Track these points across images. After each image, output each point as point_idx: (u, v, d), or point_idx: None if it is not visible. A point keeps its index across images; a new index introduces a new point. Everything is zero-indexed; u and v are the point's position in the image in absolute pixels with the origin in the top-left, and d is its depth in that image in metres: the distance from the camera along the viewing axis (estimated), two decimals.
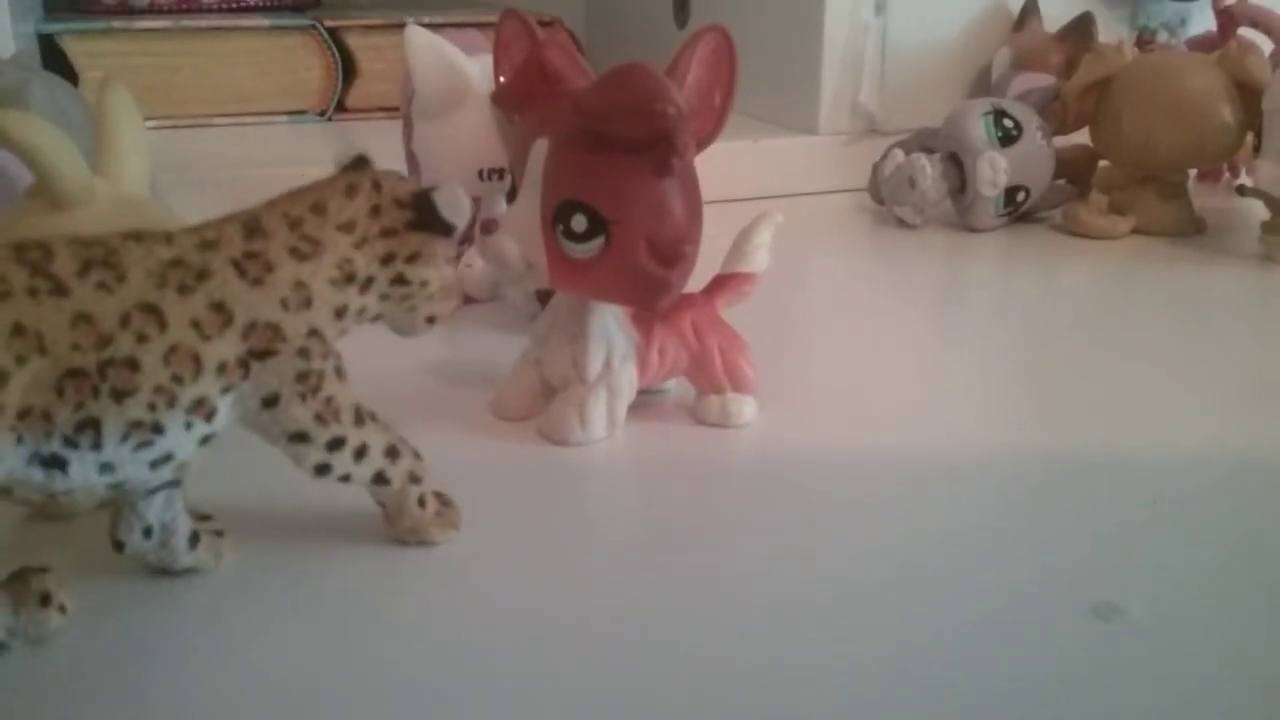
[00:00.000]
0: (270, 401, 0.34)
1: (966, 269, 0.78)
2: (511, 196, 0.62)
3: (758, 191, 0.90)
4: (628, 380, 0.48)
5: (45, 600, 0.34)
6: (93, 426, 0.31)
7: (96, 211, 0.41)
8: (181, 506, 0.36)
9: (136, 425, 0.32)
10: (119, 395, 0.31)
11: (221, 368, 0.33)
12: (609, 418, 0.48)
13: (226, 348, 0.33)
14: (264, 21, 1.01)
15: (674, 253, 0.43)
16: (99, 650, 0.34)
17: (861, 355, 0.61)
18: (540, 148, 0.46)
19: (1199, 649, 0.35)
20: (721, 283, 0.51)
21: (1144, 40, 1.03)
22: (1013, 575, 0.39)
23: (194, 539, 0.37)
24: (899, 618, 0.36)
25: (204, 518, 0.38)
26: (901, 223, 0.85)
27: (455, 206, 0.36)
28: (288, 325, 0.34)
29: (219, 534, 0.38)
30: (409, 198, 0.36)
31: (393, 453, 0.37)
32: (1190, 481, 0.46)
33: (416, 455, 0.39)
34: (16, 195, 0.43)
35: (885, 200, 0.86)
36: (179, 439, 0.33)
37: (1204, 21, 1.03)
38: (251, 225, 0.34)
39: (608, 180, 0.43)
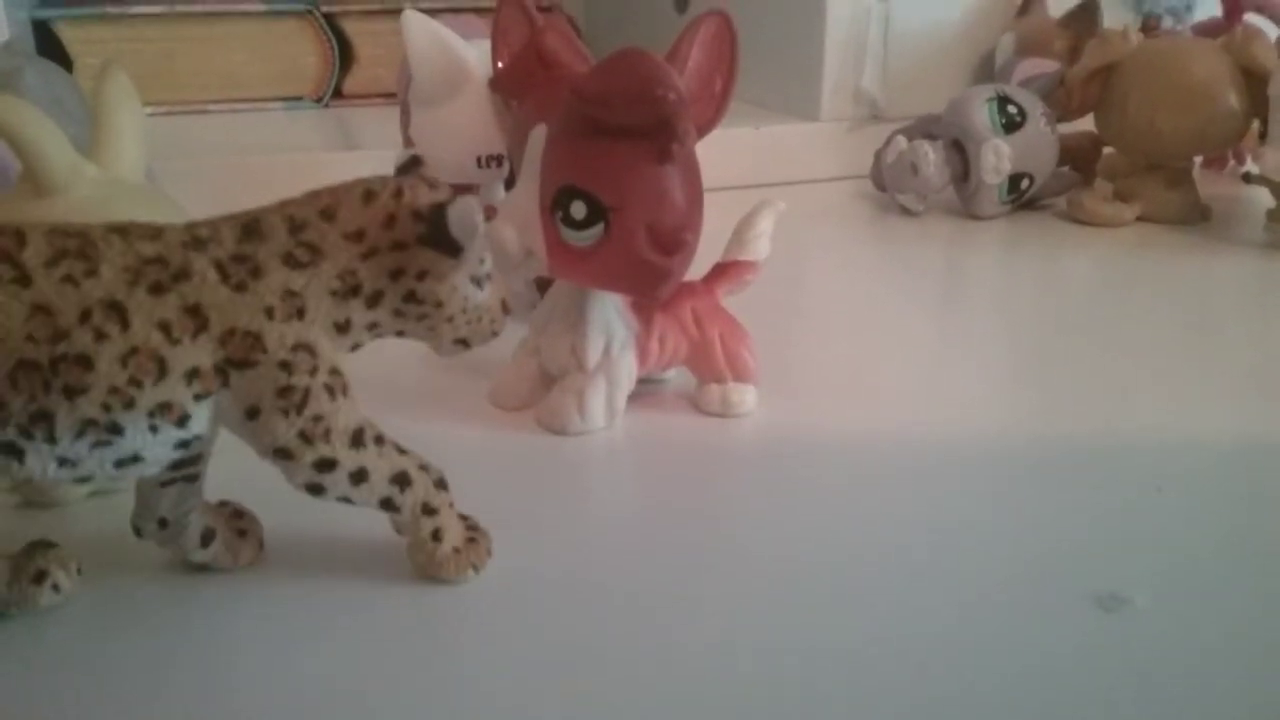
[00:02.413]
0: (251, 414, 0.32)
1: (969, 257, 0.78)
2: (510, 183, 0.61)
3: (759, 179, 0.90)
4: (627, 369, 0.48)
5: (40, 577, 0.34)
6: (45, 420, 0.30)
7: (85, 197, 0.41)
8: (198, 503, 0.35)
9: (90, 424, 0.30)
10: (70, 392, 0.30)
11: (193, 374, 0.31)
12: (608, 407, 0.48)
13: (200, 354, 0.31)
14: (260, 7, 1.00)
15: (674, 240, 0.43)
16: (102, 651, 0.33)
17: (863, 344, 0.60)
18: (539, 134, 0.45)
19: (1203, 637, 0.34)
20: (722, 271, 0.51)
21: (1149, 26, 1.02)
22: (1015, 563, 0.38)
23: (208, 537, 0.36)
24: (900, 605, 0.36)
25: (236, 515, 0.37)
26: (904, 210, 0.85)
27: (467, 225, 0.32)
28: (270, 335, 0.31)
29: (242, 534, 0.37)
30: (425, 209, 0.33)
31: (402, 480, 0.35)
32: (1195, 469, 0.45)
33: (440, 484, 0.36)
34: (11, 181, 0.43)
35: (888, 187, 0.86)
36: (144, 441, 0.31)
37: (1209, 7, 1.02)
38: (249, 226, 0.32)
39: (607, 167, 0.42)
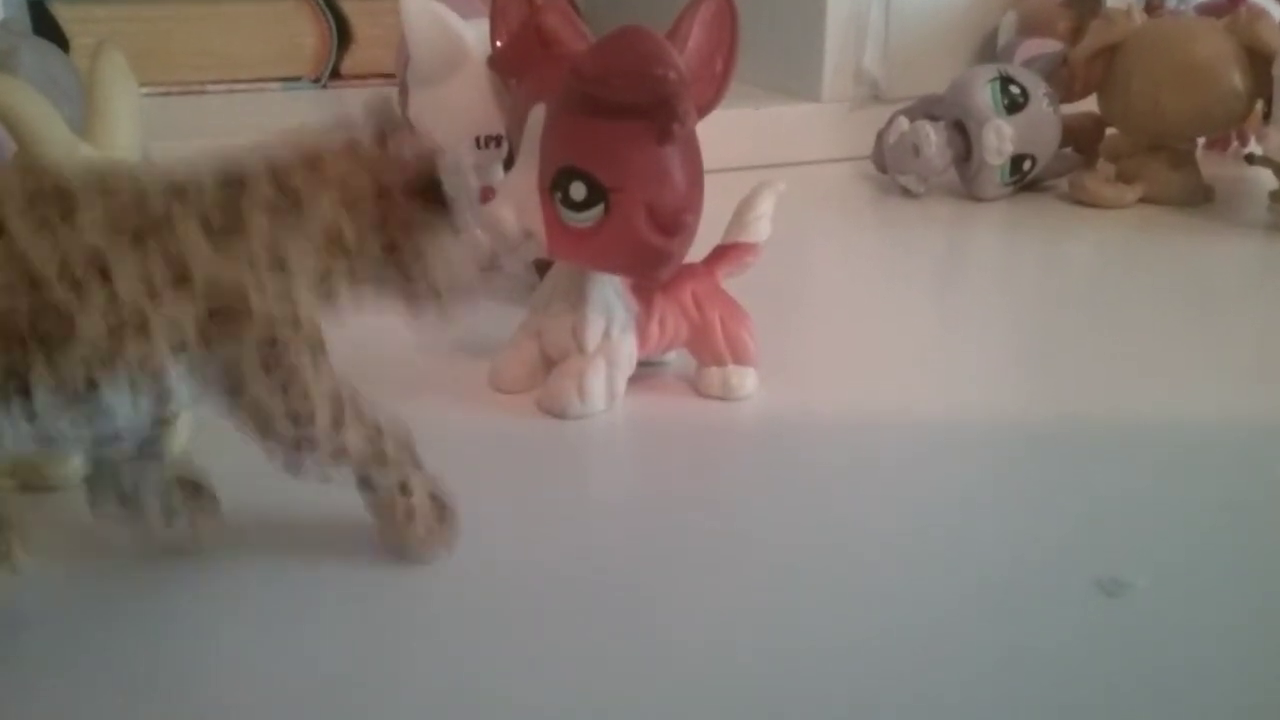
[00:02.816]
0: (231, 369, 0.31)
1: (971, 239, 0.77)
2: (509, 164, 0.61)
3: (760, 160, 0.89)
4: (627, 352, 0.47)
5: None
6: (18, 378, 0.28)
7: None
8: (159, 479, 0.34)
9: (69, 382, 0.29)
10: (48, 346, 0.28)
11: (173, 326, 0.30)
12: (608, 389, 0.47)
13: (180, 307, 0.30)
14: None
15: (675, 222, 0.43)
16: (85, 646, 0.33)
17: (864, 326, 0.60)
18: (538, 114, 0.45)
19: (1204, 620, 0.34)
20: (723, 253, 0.50)
21: (1153, 5, 1.01)
22: (1017, 546, 0.38)
23: (170, 514, 0.35)
24: (902, 587, 0.36)
25: (196, 493, 0.37)
26: (905, 191, 0.85)
27: (458, 176, 0.32)
28: (253, 286, 0.30)
29: (204, 511, 0.36)
30: (412, 161, 0.32)
31: (379, 458, 0.34)
32: (1198, 451, 0.45)
33: (414, 461, 0.35)
34: (5, 161, 0.42)
35: (889, 168, 0.85)
36: (121, 401, 0.30)
37: None
38: (231, 175, 0.31)
39: (607, 147, 0.42)
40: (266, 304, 0.31)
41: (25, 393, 0.28)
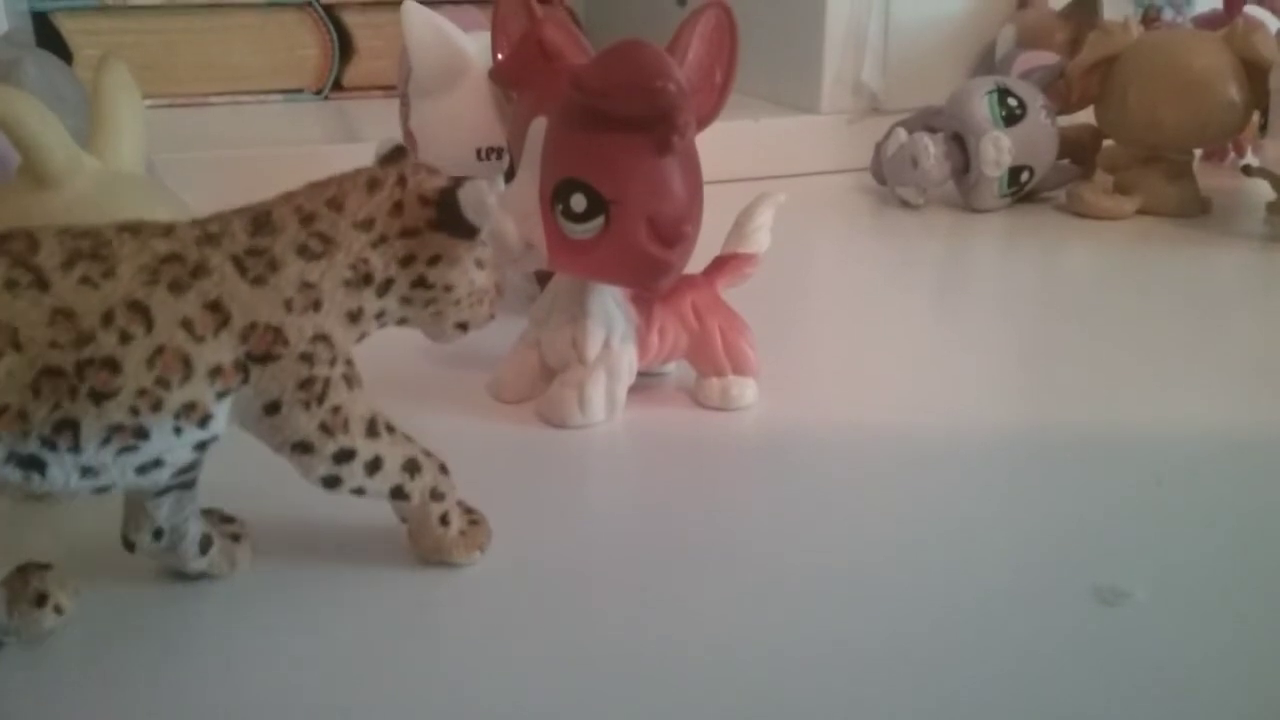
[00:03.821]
0: (272, 409, 0.32)
1: (969, 250, 0.78)
2: (510, 176, 0.61)
3: (759, 171, 0.90)
4: (627, 362, 0.48)
5: (41, 600, 0.33)
6: (71, 428, 0.29)
7: (84, 188, 0.41)
8: (194, 510, 0.35)
9: (117, 429, 0.29)
10: (98, 397, 0.29)
11: (216, 371, 0.30)
12: (608, 400, 0.48)
13: (222, 350, 0.30)
14: None
15: (674, 233, 0.43)
16: (105, 655, 0.33)
17: (863, 337, 0.60)
18: (539, 126, 0.45)
19: (1203, 630, 0.34)
20: (722, 264, 0.51)
21: (1150, 18, 1.02)
22: (1015, 557, 0.38)
23: (205, 544, 0.35)
24: (900, 599, 0.36)
25: (226, 520, 0.37)
26: (904, 203, 0.85)
27: (480, 207, 0.33)
28: (290, 328, 0.31)
29: (236, 539, 0.36)
30: (434, 194, 0.33)
31: (412, 467, 0.35)
32: (1195, 462, 0.45)
33: (442, 469, 0.36)
34: (10, 173, 0.43)
35: (888, 180, 0.86)
36: (168, 444, 0.30)
37: None
38: (260, 219, 0.32)
39: (607, 159, 0.42)
40: (303, 344, 0.32)
41: (75, 443, 0.29)
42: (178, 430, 0.30)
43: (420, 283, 0.34)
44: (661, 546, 0.39)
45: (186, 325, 0.30)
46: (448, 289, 0.34)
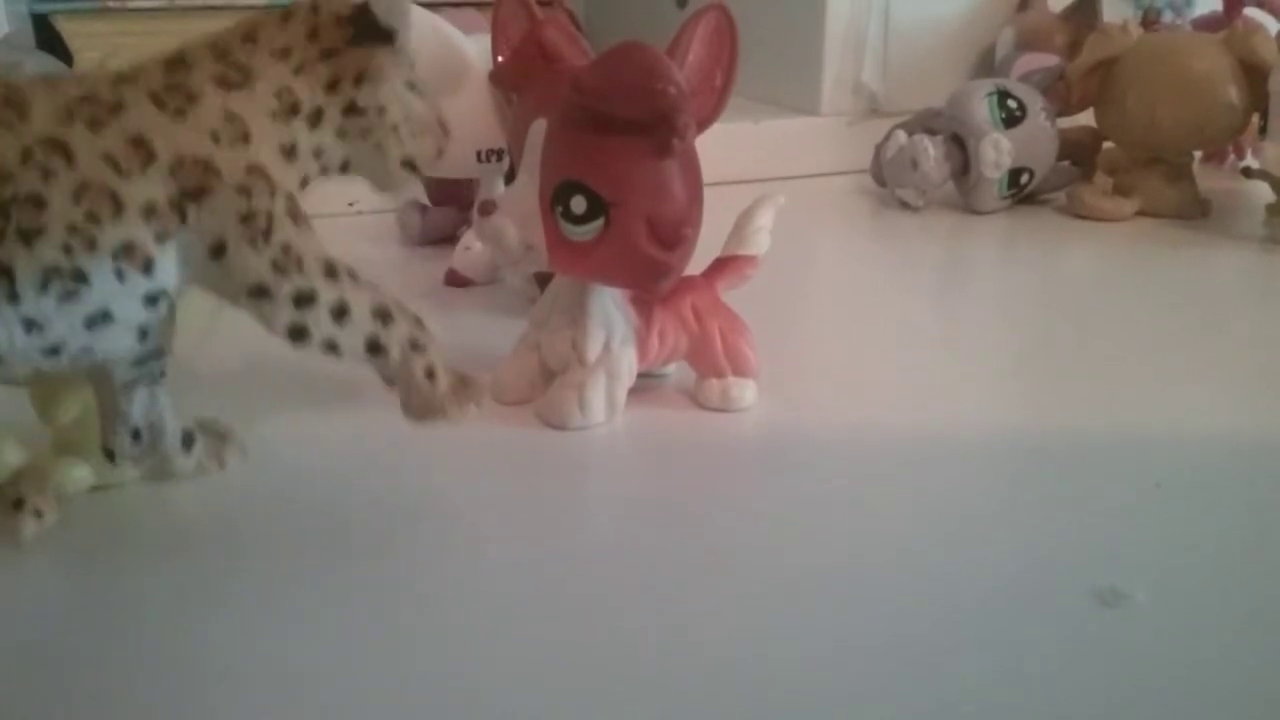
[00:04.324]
0: (217, 250, 0.31)
1: (969, 251, 0.78)
2: (510, 178, 0.61)
3: (759, 173, 0.90)
4: (627, 364, 0.48)
5: (18, 505, 0.33)
6: (5, 275, 0.28)
7: None
8: (168, 404, 0.34)
9: (54, 271, 0.29)
10: (26, 235, 0.28)
11: (149, 209, 0.30)
12: (608, 401, 0.48)
13: (152, 186, 0.30)
14: (260, 0, 1.00)
15: (674, 235, 0.43)
16: (96, 638, 0.33)
17: (863, 339, 0.60)
18: (539, 128, 0.45)
19: (1202, 632, 0.34)
20: (722, 265, 0.51)
21: (1149, 20, 1.02)
22: (1016, 559, 0.38)
23: (188, 439, 0.35)
24: (900, 600, 0.36)
25: (211, 422, 0.36)
26: (904, 205, 0.85)
27: (392, 7, 0.32)
28: (220, 159, 0.30)
29: (221, 437, 0.36)
30: (348, 10, 0.33)
31: (383, 314, 0.33)
32: (1194, 464, 0.46)
33: (418, 322, 0.34)
34: None
35: (887, 182, 0.86)
36: (111, 290, 0.30)
37: (1209, 1, 1.02)
38: (174, 59, 0.32)
39: (607, 161, 0.42)
40: (237, 175, 0.31)
41: (12, 290, 0.29)
42: (119, 274, 0.30)
43: (351, 109, 0.33)
44: (661, 547, 0.39)
45: (110, 160, 0.29)
46: (380, 111, 0.33)
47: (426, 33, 0.58)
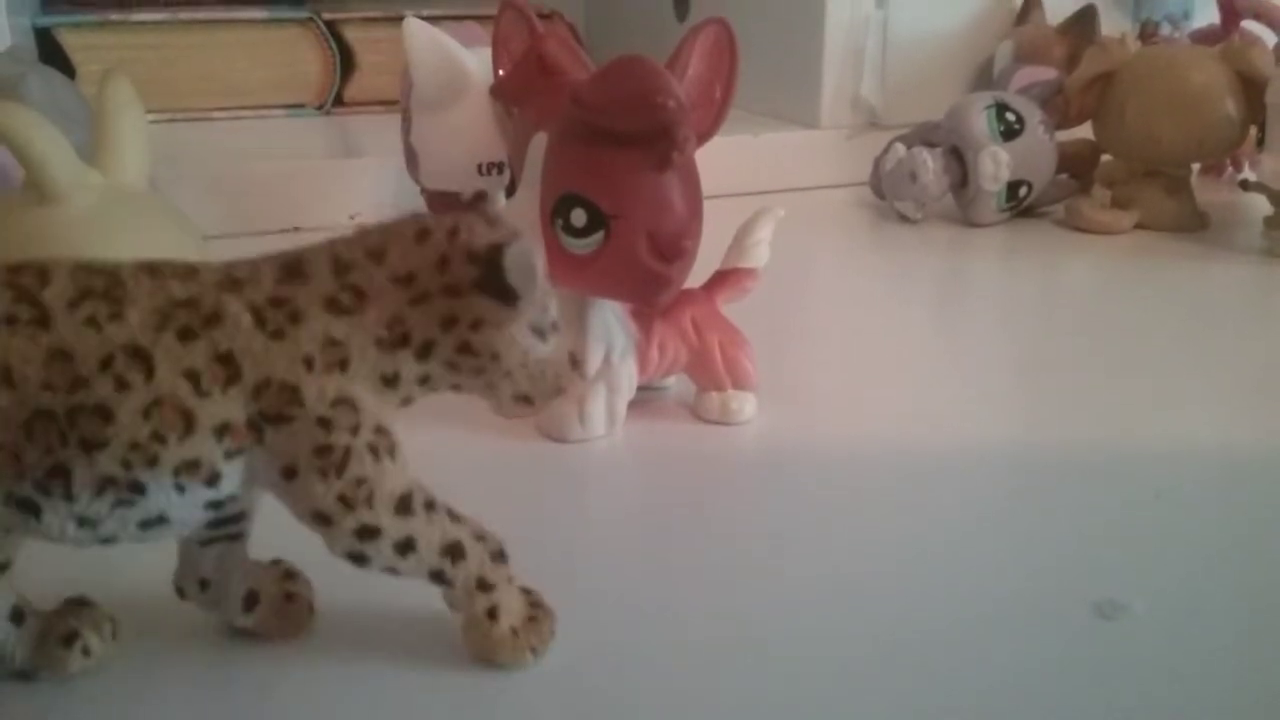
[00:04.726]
0: (289, 473, 0.29)
1: (968, 264, 0.78)
2: (511, 190, 0.61)
3: (758, 186, 0.90)
4: (627, 376, 0.48)
5: (70, 640, 0.31)
6: (63, 475, 0.27)
7: (88, 203, 0.41)
8: (241, 563, 0.32)
9: (110, 481, 0.27)
10: (87, 445, 0.27)
11: (223, 429, 0.28)
12: (609, 414, 0.48)
13: (231, 407, 0.28)
14: (261, 14, 1.01)
15: (674, 248, 0.43)
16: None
17: (863, 351, 0.60)
18: (539, 141, 0.45)
19: (1201, 644, 0.34)
20: (722, 278, 0.51)
21: (1147, 33, 1.02)
22: (1014, 571, 0.38)
23: (250, 601, 0.33)
24: (899, 614, 0.36)
25: (288, 576, 0.34)
26: (903, 217, 0.85)
27: (526, 271, 0.29)
28: (309, 388, 0.28)
29: (290, 598, 0.34)
30: (482, 250, 0.29)
31: (454, 551, 0.31)
32: (1193, 476, 0.46)
33: (497, 556, 0.32)
34: (14, 188, 0.43)
35: (886, 195, 0.86)
36: (169, 501, 0.28)
37: (1207, 14, 1.02)
38: (291, 265, 0.29)
39: (607, 174, 0.42)
40: (321, 406, 0.29)
41: (68, 491, 0.28)
42: (180, 488, 0.28)
43: (465, 349, 0.30)
44: (661, 560, 0.39)
45: (191, 377, 0.28)
46: (495, 357, 0.30)
47: (427, 46, 0.58)
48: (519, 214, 0.46)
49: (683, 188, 0.43)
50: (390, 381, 0.30)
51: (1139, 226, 0.83)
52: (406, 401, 0.31)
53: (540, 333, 0.31)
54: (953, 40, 0.98)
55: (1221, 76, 0.79)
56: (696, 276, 0.48)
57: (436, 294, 0.29)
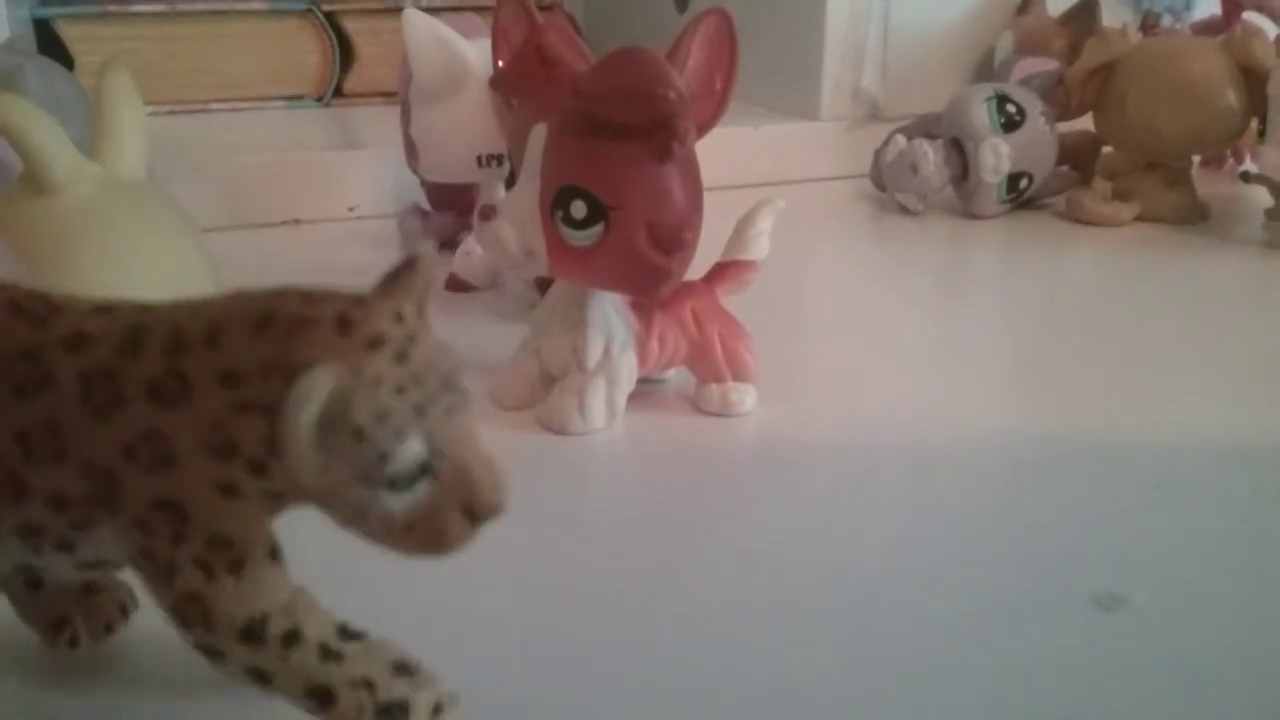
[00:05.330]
0: (131, 561, 0.25)
1: (969, 256, 0.78)
2: (510, 182, 0.61)
3: (759, 178, 0.90)
4: (627, 369, 0.48)
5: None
6: None
7: (87, 195, 0.41)
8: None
9: None
10: None
11: (58, 501, 0.24)
12: (609, 407, 0.48)
13: (64, 480, 0.24)
14: (261, 5, 1.00)
15: (674, 240, 0.43)
16: None
17: (863, 343, 0.60)
18: (539, 133, 0.45)
19: (1201, 636, 0.35)
20: (722, 270, 0.51)
21: (1148, 24, 1.02)
22: (1014, 563, 0.39)
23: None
24: (899, 606, 0.36)
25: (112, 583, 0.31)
26: (903, 209, 0.85)
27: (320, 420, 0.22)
28: (127, 483, 0.23)
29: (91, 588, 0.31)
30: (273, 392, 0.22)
31: (321, 696, 0.25)
32: (1193, 468, 0.46)
33: (401, 669, 0.27)
34: (12, 180, 0.43)
35: (887, 187, 0.86)
36: (24, 558, 0.26)
37: (1209, 5, 1.02)
38: (134, 332, 0.24)
39: (607, 166, 0.42)
40: (140, 507, 0.24)
41: None
42: (34, 549, 0.25)
43: (295, 486, 0.23)
44: (662, 552, 0.39)
45: (22, 440, 0.24)
46: (329, 506, 0.24)
47: (426, 37, 0.58)
48: (519, 206, 0.46)
49: (683, 180, 0.43)
50: (230, 492, 0.24)
51: (1140, 218, 0.83)
52: (275, 509, 0.25)
53: (388, 483, 0.23)
54: (953, 32, 0.97)
55: (1223, 68, 0.79)
56: (697, 268, 0.48)
57: (256, 409, 0.23)
